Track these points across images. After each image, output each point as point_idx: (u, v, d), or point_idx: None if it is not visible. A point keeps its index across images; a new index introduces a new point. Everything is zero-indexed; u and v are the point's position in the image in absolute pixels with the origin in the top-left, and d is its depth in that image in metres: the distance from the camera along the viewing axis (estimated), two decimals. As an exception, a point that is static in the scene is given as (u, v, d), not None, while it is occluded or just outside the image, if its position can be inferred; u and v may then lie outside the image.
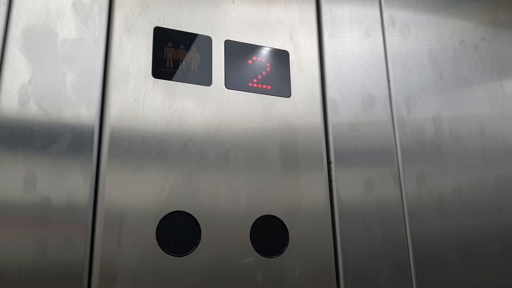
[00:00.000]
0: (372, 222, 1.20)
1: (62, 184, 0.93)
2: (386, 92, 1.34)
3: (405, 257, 1.21)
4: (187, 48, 1.12)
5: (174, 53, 1.10)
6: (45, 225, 0.90)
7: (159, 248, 0.98)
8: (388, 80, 1.36)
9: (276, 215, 1.10)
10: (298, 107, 1.21)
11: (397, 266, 1.19)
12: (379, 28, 1.40)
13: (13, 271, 0.87)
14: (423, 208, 1.29)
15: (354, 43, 1.34)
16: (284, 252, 1.08)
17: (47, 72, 0.98)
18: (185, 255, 0.99)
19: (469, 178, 1.38)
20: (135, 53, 1.07)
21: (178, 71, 1.10)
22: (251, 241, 1.06)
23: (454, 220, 1.32)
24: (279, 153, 1.15)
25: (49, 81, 0.98)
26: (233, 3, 1.21)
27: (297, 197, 1.13)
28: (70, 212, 0.93)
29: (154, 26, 1.11)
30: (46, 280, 0.88)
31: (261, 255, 1.06)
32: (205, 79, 1.12)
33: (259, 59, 1.19)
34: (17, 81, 0.95)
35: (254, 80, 1.18)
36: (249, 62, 1.18)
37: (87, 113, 0.99)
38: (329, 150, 1.22)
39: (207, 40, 1.15)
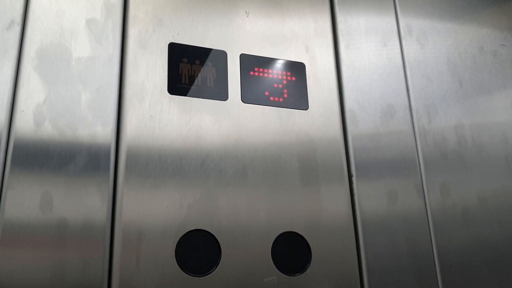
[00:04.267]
0: (397, 235, 1.17)
1: (79, 204, 0.92)
2: (406, 101, 1.32)
3: (431, 270, 1.18)
4: (203, 63, 1.11)
5: (189, 69, 1.09)
6: (62, 246, 0.89)
7: (179, 268, 0.95)
8: (408, 90, 1.34)
9: (298, 231, 1.07)
10: (316, 119, 1.18)
11: (423, 279, 1.16)
12: (396, 37, 1.38)
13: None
14: (448, 219, 1.25)
15: (371, 53, 1.32)
16: (307, 270, 1.05)
17: (62, 91, 0.97)
18: (206, 275, 0.97)
19: (494, 186, 1.35)
20: (150, 69, 1.06)
21: (193, 87, 1.08)
22: (272, 259, 1.03)
23: (480, 230, 1.28)
24: (298, 167, 1.12)
25: (64, 100, 0.97)
26: (247, 16, 1.20)
27: (318, 212, 1.10)
28: (87, 232, 0.91)
29: (169, 42, 1.10)
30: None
31: (283, 273, 1.03)
32: (221, 94, 1.10)
33: (275, 72, 1.18)
34: (32, 101, 0.95)
35: (271, 94, 1.16)
36: (265, 75, 1.16)
37: (103, 131, 0.98)
38: (350, 163, 1.19)
39: (222, 55, 1.14)
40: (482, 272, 1.23)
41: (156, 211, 0.97)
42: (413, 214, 1.21)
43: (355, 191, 1.17)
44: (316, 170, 1.14)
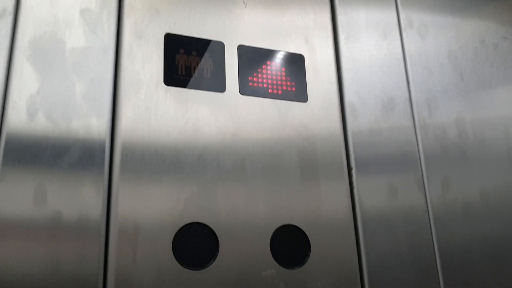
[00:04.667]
0: (397, 230, 1.15)
1: (74, 197, 0.90)
2: (406, 94, 1.30)
3: (432, 265, 1.16)
4: (200, 54, 1.09)
5: (186, 60, 1.07)
6: (57, 240, 0.87)
7: (176, 261, 0.93)
8: (408, 82, 1.32)
9: (297, 225, 1.05)
10: (316, 112, 1.16)
11: (424, 274, 1.14)
12: (397, 30, 1.36)
13: (25, 289, 0.83)
14: (449, 214, 1.23)
15: (371, 45, 1.30)
16: (306, 263, 1.03)
17: (56, 82, 0.95)
18: (203, 268, 0.95)
19: (495, 182, 1.33)
20: (146, 60, 1.04)
21: (190, 78, 1.06)
22: (271, 252, 1.01)
23: (481, 225, 1.26)
24: (298, 160, 1.10)
25: (58, 91, 0.95)
26: (245, 7, 1.18)
27: (317, 206, 1.08)
28: (82, 226, 0.89)
29: (165, 32, 1.08)
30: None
31: (282, 266, 1.01)
32: (219, 86, 1.09)
33: (273, 63, 1.16)
34: (25, 92, 0.93)
35: (270, 86, 1.14)
36: (264, 66, 1.14)
37: (98, 123, 0.96)
38: (349, 156, 1.17)
39: (220, 46, 1.12)
40: (483, 266, 1.22)
41: (153, 205, 0.95)
42: (413, 208, 1.19)
43: (354, 185, 1.15)
44: (316, 163, 1.12)
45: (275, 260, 1.01)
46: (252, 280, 0.97)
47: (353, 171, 1.15)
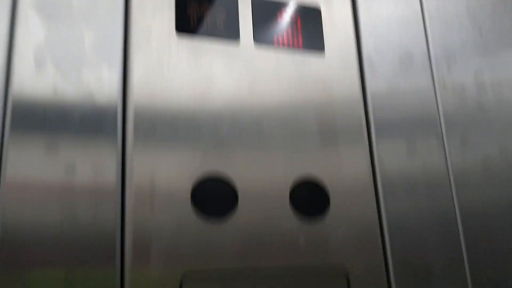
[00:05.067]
0: (417, 190, 1.12)
1: (87, 151, 0.86)
2: (425, 49, 1.25)
3: (453, 223, 1.13)
4: (212, 3, 1.04)
5: (198, 9, 1.02)
6: (71, 194, 0.83)
7: (194, 214, 0.90)
8: (426, 37, 1.27)
9: (316, 180, 1.02)
10: (333, 66, 1.12)
11: (445, 232, 1.11)
12: (414, -19, 1.31)
13: (41, 241, 0.80)
14: (469, 172, 1.20)
15: (388, -2, 1.25)
16: (327, 217, 1.00)
17: (64, 32, 0.91)
18: (223, 219, 0.91)
19: (515, 140, 1.29)
20: (156, 10, 0.99)
21: (203, 29, 1.01)
22: (290, 205, 0.97)
23: (501, 182, 1.23)
24: (315, 115, 1.07)
25: (66, 41, 0.90)
26: (258, -45, 1.12)
27: (336, 159, 1.05)
28: (97, 181, 0.86)
29: (176, -21, 1.03)
30: (76, 249, 0.81)
31: (302, 220, 0.98)
32: (233, 35, 1.04)
33: (289, 14, 1.11)
34: (32, 42, 0.88)
35: (285, 37, 1.09)
36: (279, 18, 1.09)
37: (109, 74, 0.91)
38: (368, 111, 1.13)
39: (233, -5, 1.07)
40: (504, 224, 1.19)
41: (169, 159, 0.91)
42: (434, 168, 1.16)
43: (374, 145, 1.11)
44: (334, 118, 1.08)
45: (295, 213, 0.97)
46: (272, 233, 0.94)
47: (372, 128, 1.11)
